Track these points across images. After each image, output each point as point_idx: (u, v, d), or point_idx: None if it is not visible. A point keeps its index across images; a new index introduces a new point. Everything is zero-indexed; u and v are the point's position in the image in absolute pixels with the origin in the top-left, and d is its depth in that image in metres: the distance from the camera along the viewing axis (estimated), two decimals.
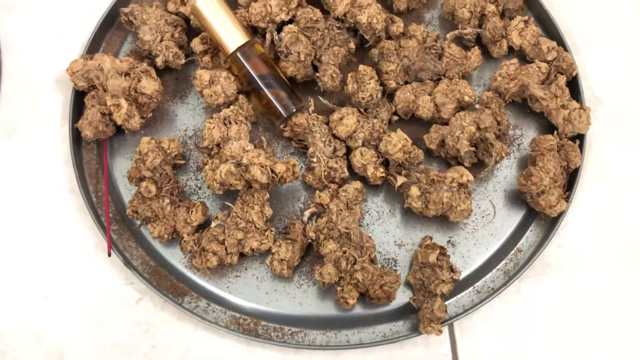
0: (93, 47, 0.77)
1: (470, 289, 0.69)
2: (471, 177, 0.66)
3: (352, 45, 0.75)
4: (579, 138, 0.71)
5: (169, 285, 0.68)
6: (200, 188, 0.72)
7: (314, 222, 0.66)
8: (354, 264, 0.64)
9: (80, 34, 0.79)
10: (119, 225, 0.70)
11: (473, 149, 0.68)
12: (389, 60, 0.73)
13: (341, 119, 0.69)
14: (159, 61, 0.73)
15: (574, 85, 0.74)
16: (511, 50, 0.76)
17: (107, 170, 0.72)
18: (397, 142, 0.67)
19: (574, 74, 0.74)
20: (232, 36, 0.69)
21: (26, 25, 0.79)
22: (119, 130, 0.72)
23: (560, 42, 0.77)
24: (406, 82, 0.74)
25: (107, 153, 0.73)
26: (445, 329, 0.68)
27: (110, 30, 0.79)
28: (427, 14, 0.81)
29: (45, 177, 0.72)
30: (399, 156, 0.67)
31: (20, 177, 0.73)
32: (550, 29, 0.79)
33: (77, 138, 0.72)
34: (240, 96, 0.71)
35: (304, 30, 0.72)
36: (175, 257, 0.69)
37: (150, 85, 0.70)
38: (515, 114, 0.75)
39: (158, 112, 0.74)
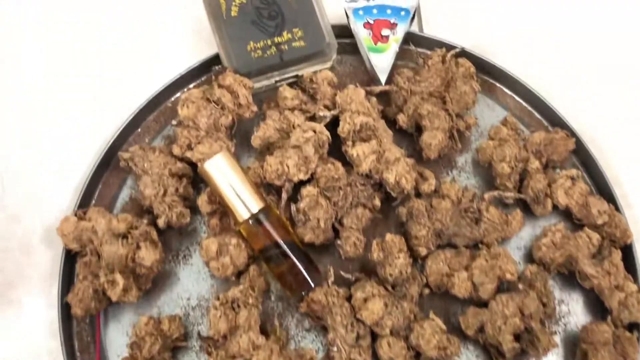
0: (88, 191, 0.69)
1: None
2: None
3: (378, 203, 0.66)
4: (637, 327, 0.62)
5: None
6: None
7: None
8: None
9: (75, 176, 0.71)
10: None
11: (518, 344, 0.59)
12: (419, 222, 0.65)
13: (365, 300, 0.61)
14: (160, 222, 0.65)
15: (628, 255, 0.66)
16: (555, 206, 0.68)
17: (99, 348, 0.63)
18: (431, 336, 0.59)
19: (628, 241, 0.66)
20: (244, 203, 0.62)
21: (15, 167, 0.72)
22: None
23: (611, 197, 0.69)
24: (439, 246, 0.66)
25: (101, 326, 0.64)
26: None
27: (108, 171, 0.71)
28: (459, 157, 0.73)
29: (27, 351, 0.64)
30: (433, 353, 0.59)
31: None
32: (597, 179, 0.71)
33: (67, 306, 0.64)
34: (252, 269, 0.63)
35: (324, 190, 0.64)
36: None
37: (149, 256, 0.62)
38: (561, 285, 0.67)
39: (158, 274, 0.66)
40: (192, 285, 0.66)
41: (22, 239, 0.69)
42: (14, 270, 0.67)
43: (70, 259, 0.66)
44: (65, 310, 0.64)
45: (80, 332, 0.65)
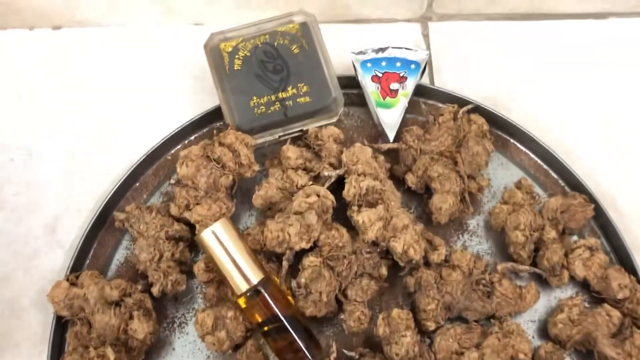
0: (83, 251, 0.67)
1: None
2: None
3: (384, 272, 0.63)
4: None
5: None
6: None
7: None
8: None
9: (70, 232, 0.69)
10: None
11: None
12: (428, 295, 0.61)
13: None
14: (155, 290, 0.62)
15: None
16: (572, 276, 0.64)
17: None
18: None
19: None
20: (243, 274, 0.59)
21: (13, 219, 0.69)
22: None
23: (632, 268, 0.65)
24: (448, 319, 0.62)
25: None
26: None
27: (104, 228, 0.69)
28: (471, 220, 0.69)
29: None
30: None
31: None
32: (618, 247, 0.67)
33: None
34: (250, 344, 0.60)
35: (327, 259, 0.61)
36: None
37: (142, 328, 0.59)
38: None
39: (152, 345, 0.63)
40: (187, 357, 0.63)
41: (12, 301, 0.66)
42: (2, 333, 0.64)
43: (61, 325, 0.63)
44: None
45: None
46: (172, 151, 0.73)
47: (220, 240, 0.58)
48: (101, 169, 0.72)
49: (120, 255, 0.67)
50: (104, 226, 0.69)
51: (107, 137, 0.74)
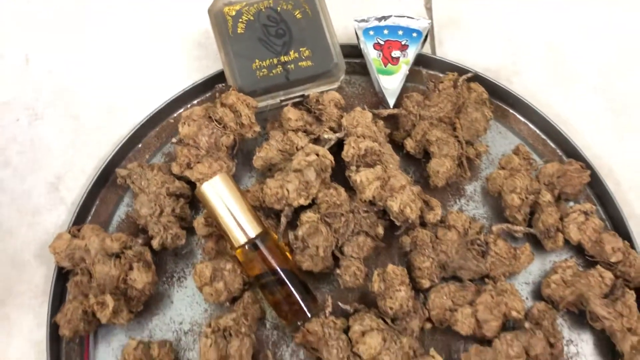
0: (85, 207, 0.68)
1: None
2: None
3: (380, 231, 0.64)
4: None
5: None
6: None
7: None
8: None
9: (73, 191, 0.70)
10: None
11: None
12: (423, 253, 0.62)
13: (363, 333, 0.58)
14: (155, 243, 0.63)
15: None
16: (567, 240, 0.65)
17: None
18: None
19: None
20: (242, 227, 0.59)
21: (14, 181, 0.70)
22: None
23: (626, 233, 0.65)
24: (443, 278, 0.63)
25: (90, 347, 0.62)
26: None
27: (106, 186, 0.70)
28: (468, 186, 0.70)
29: None
30: None
31: None
32: (612, 213, 0.68)
33: (55, 325, 0.62)
34: (247, 296, 0.61)
35: (325, 216, 0.62)
36: None
37: (141, 278, 0.60)
38: (570, 324, 0.63)
39: (152, 296, 0.64)
40: (185, 310, 0.64)
41: (14, 255, 0.67)
42: (4, 286, 0.65)
43: (62, 276, 0.64)
44: (54, 330, 0.62)
45: (69, 352, 0.63)
46: (175, 114, 0.74)
47: (220, 193, 0.59)
48: (105, 131, 0.73)
49: (121, 212, 0.68)
50: (106, 184, 0.70)
51: (111, 100, 0.75)
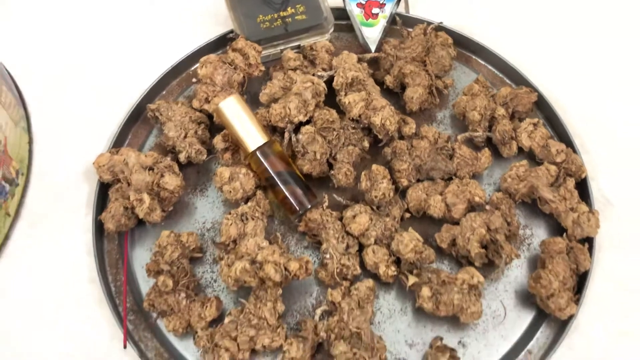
0: (120, 140, 0.81)
1: None
2: (482, 279, 0.67)
3: (366, 144, 0.77)
4: (588, 241, 0.72)
5: None
6: (215, 281, 0.73)
7: (325, 320, 0.67)
8: None
9: (108, 128, 0.83)
10: (135, 315, 0.72)
11: (483, 250, 0.69)
12: (401, 159, 0.76)
13: (354, 216, 0.71)
14: (182, 157, 0.76)
15: (583, 188, 0.76)
16: (521, 150, 0.79)
17: (127, 261, 0.74)
18: (409, 242, 0.69)
19: (582, 176, 0.76)
20: (252, 137, 0.73)
21: (57, 118, 0.84)
22: (140, 221, 0.75)
23: (570, 144, 0.79)
24: (418, 180, 0.77)
25: (128, 244, 0.75)
26: None
27: (137, 124, 0.83)
28: (439, 113, 0.84)
29: (67, 265, 0.75)
30: (411, 256, 0.69)
31: (43, 265, 0.75)
32: (559, 131, 0.82)
33: (99, 228, 0.75)
34: (258, 192, 0.74)
35: (320, 130, 0.75)
36: (188, 351, 0.70)
37: (172, 181, 0.73)
38: (526, 214, 0.77)
39: (179, 204, 0.77)
40: (207, 212, 0.77)
41: (64, 176, 0.80)
42: (55, 200, 0.78)
43: (104, 190, 0.77)
44: (99, 232, 0.75)
45: (110, 250, 0.75)
46: (193, 67, 0.88)
47: (234, 110, 0.73)
48: (135, 79, 0.87)
49: (151, 142, 0.82)
50: (137, 122, 0.83)
51: (139, 53, 0.89)
